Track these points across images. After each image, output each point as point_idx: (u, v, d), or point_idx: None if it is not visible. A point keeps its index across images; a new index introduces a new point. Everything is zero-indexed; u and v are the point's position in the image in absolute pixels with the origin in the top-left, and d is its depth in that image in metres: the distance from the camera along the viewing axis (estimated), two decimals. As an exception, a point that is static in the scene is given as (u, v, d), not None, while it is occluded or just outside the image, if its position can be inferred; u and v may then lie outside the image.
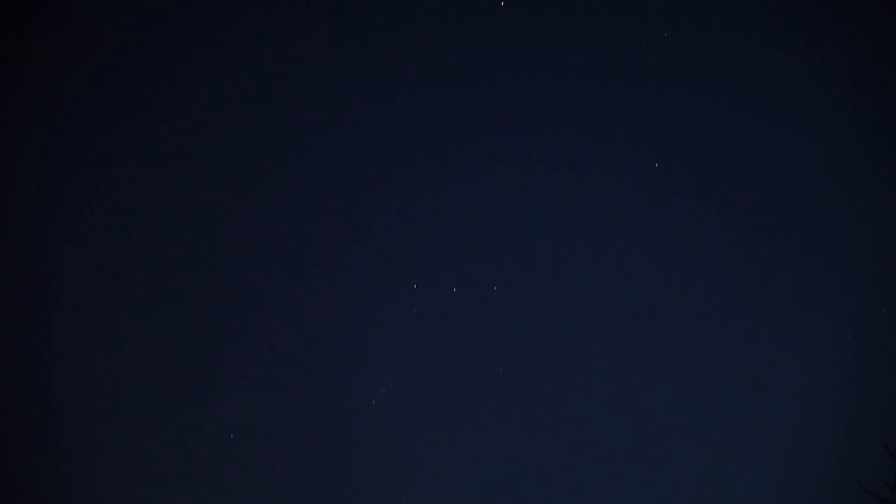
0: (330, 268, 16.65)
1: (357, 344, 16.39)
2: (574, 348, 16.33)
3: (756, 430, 15.26)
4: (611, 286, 16.50)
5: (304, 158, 16.83)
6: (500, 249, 16.78)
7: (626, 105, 16.68)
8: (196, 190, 16.58)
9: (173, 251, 16.36)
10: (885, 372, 14.32)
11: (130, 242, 16.34)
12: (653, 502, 15.15)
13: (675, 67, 16.50)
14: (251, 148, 16.76)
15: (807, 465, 14.57)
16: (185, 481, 15.33)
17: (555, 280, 16.65)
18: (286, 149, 16.81)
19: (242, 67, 16.57)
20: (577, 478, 15.52)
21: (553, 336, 16.42)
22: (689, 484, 15.14)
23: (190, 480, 15.35)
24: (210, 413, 15.79)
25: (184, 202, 16.49)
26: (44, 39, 16.05)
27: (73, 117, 16.30)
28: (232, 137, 16.72)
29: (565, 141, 16.84)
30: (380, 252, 16.76)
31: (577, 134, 16.82)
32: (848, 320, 15.26)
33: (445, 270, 16.59)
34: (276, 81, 16.67)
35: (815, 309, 15.61)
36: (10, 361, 15.42)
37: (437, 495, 15.49)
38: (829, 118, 15.95)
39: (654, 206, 16.51)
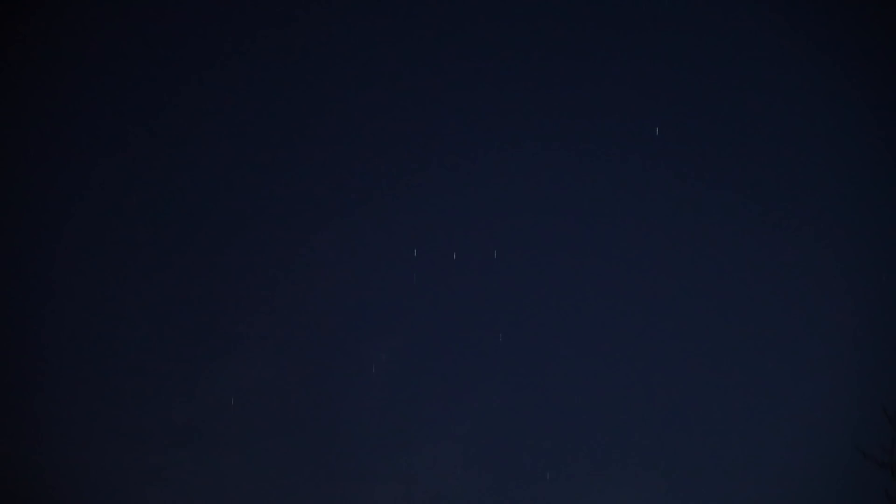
0: (330, 234, 16.69)
1: (357, 310, 16.47)
2: (573, 315, 16.40)
3: (753, 393, 15.34)
4: (610, 253, 16.54)
5: (305, 123, 16.82)
6: (499, 216, 16.80)
7: (628, 76, 16.73)
8: (196, 153, 16.61)
9: (171, 215, 16.40)
10: (884, 334, 14.36)
11: (127, 207, 16.38)
12: (649, 463, 15.30)
13: (678, 46, 16.56)
14: (252, 110, 16.76)
15: (804, 429, 14.65)
16: (183, 446, 15.46)
17: (555, 247, 16.69)
18: (287, 113, 16.78)
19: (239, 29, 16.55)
20: (572, 442, 15.66)
21: (552, 302, 16.48)
22: (685, 446, 15.32)
23: (189, 445, 15.47)
24: (210, 379, 15.89)
25: (183, 166, 16.53)
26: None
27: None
28: (233, 97, 16.71)
29: (565, 109, 16.81)
30: (380, 219, 16.77)
31: (579, 103, 16.80)
32: (848, 285, 15.27)
33: (445, 237, 16.62)
34: (277, 43, 16.64)
35: (814, 272, 15.63)
36: (3, 330, 15.49)
37: (435, 459, 15.65)
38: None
39: (657, 174, 16.51)
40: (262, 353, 16.11)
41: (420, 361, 16.26)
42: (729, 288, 16.08)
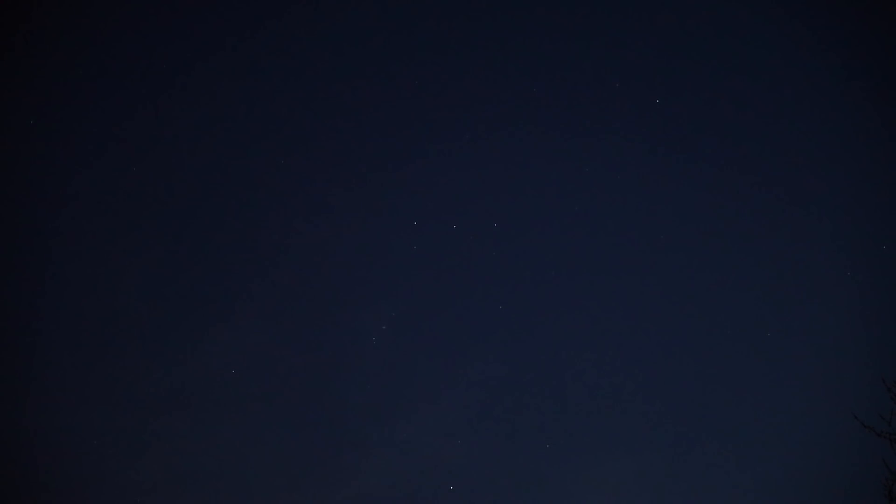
0: (331, 204, 16.62)
1: (356, 279, 16.43)
2: (573, 285, 16.34)
3: (753, 362, 15.30)
4: (611, 224, 16.46)
5: (308, 91, 16.73)
6: (500, 187, 16.69)
7: (629, 45, 16.58)
8: (197, 120, 16.55)
9: (173, 184, 16.38)
10: (884, 304, 14.32)
11: (128, 174, 16.34)
12: (648, 432, 15.32)
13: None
14: (256, 79, 16.69)
15: (804, 400, 14.64)
16: (179, 411, 15.50)
17: (555, 217, 16.62)
18: (289, 81, 16.70)
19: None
20: (570, 411, 15.67)
21: (552, 273, 16.40)
22: (682, 415, 15.33)
23: (185, 411, 15.51)
24: (209, 345, 15.90)
25: (184, 133, 16.48)
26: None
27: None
28: (238, 68, 16.64)
29: (567, 82, 16.71)
30: (380, 188, 16.68)
31: (581, 75, 16.68)
32: (849, 254, 15.20)
33: (446, 207, 16.54)
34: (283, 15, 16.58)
35: (815, 242, 15.54)
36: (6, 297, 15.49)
37: (432, 426, 15.70)
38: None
39: (653, 143, 16.42)
40: (262, 320, 16.16)
41: (418, 330, 16.30)
42: (737, 260, 16.05)
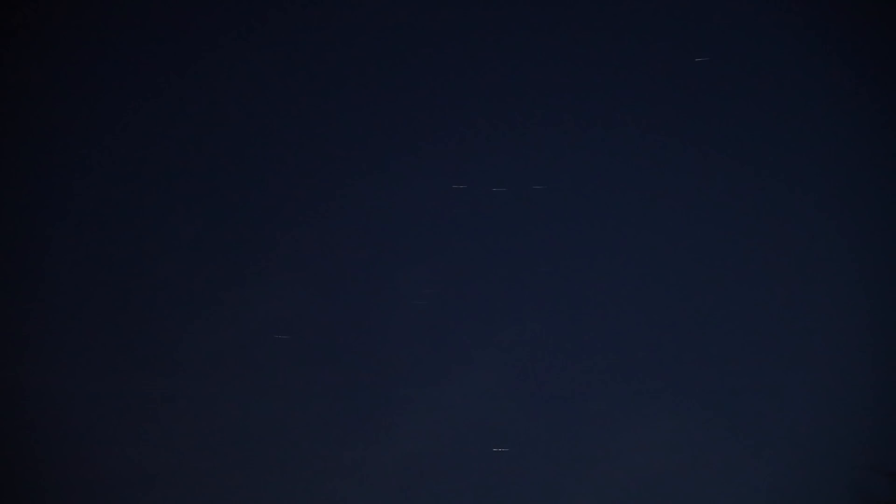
0: (370, 167, 16.50)
1: (394, 242, 16.43)
2: (614, 247, 16.32)
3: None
4: (656, 188, 16.43)
5: (347, 56, 16.58)
6: (542, 149, 16.55)
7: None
8: (232, 88, 16.46)
9: (215, 139, 16.32)
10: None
11: (170, 138, 16.28)
12: (683, 392, 15.51)
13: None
14: (292, 44, 16.62)
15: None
16: (216, 375, 15.62)
17: (600, 179, 16.55)
18: (325, 49, 16.57)
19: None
20: (608, 371, 15.81)
21: (594, 236, 16.37)
22: (725, 375, 15.53)
23: (221, 374, 15.65)
24: (246, 308, 15.91)
25: (224, 101, 16.40)
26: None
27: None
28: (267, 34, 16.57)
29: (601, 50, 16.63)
30: (417, 153, 16.57)
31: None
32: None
33: (486, 170, 16.50)
34: None
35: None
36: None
37: (470, 388, 15.80)
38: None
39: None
40: (304, 284, 16.14)
41: (460, 292, 16.30)
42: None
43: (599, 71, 16.50)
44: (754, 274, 15.86)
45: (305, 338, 15.82)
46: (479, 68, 16.64)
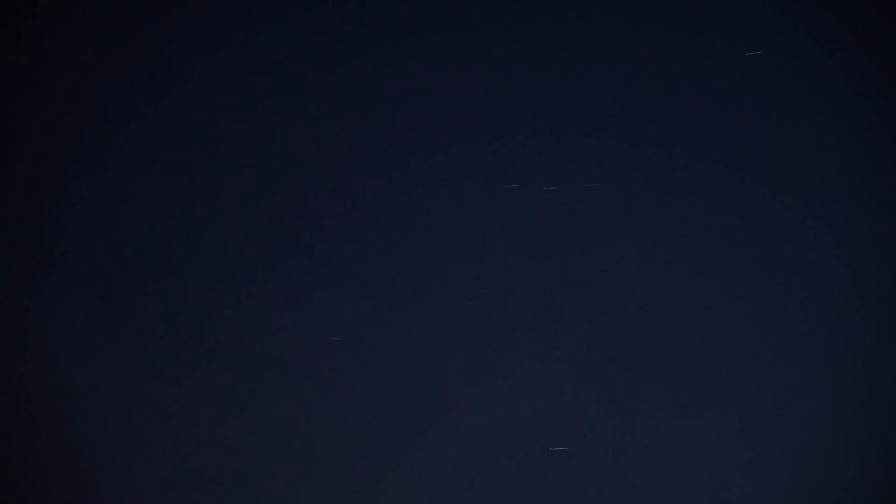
0: (426, 167, 16.48)
1: (454, 243, 16.34)
2: (678, 246, 15.99)
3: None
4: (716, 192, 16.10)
5: (407, 49, 16.65)
6: (601, 146, 16.35)
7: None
8: (290, 74, 16.61)
9: (260, 139, 16.45)
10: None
11: (216, 128, 16.48)
12: (754, 394, 15.15)
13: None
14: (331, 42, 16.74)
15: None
16: (268, 376, 15.66)
17: (660, 176, 16.22)
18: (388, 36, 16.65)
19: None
20: (671, 372, 15.48)
21: (656, 234, 16.07)
22: (788, 368, 15.16)
23: (274, 376, 15.66)
24: (307, 314, 15.92)
25: (273, 90, 16.57)
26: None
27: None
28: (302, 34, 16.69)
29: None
30: (471, 153, 16.53)
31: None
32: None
33: (537, 169, 16.33)
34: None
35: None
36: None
37: (529, 385, 15.63)
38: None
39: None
40: (358, 286, 16.12)
41: (514, 292, 16.08)
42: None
43: (657, 69, 16.35)
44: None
45: (361, 340, 15.84)
46: (535, 64, 16.58)
